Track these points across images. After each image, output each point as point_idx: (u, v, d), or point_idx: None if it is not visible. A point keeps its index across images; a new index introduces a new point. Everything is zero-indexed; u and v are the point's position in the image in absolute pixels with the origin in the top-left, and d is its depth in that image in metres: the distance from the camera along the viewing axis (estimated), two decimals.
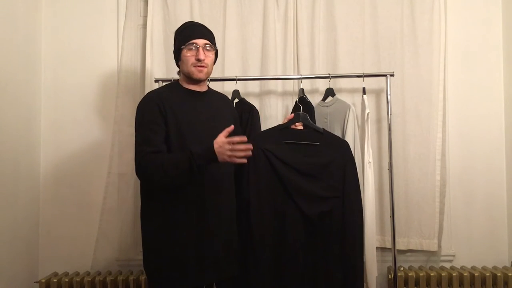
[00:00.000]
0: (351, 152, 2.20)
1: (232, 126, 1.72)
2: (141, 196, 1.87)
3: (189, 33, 1.85)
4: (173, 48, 1.93)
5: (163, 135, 1.77)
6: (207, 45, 1.85)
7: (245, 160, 1.70)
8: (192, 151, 1.68)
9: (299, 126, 2.19)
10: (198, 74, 1.85)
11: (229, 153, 1.66)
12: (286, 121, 2.22)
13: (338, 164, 2.10)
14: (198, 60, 1.83)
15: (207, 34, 1.88)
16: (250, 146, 1.69)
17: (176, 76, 2.00)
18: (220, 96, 2.03)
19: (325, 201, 2.06)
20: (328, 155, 2.10)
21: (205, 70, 1.86)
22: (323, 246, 2.06)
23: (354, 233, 2.08)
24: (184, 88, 1.88)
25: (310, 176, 2.07)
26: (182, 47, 1.83)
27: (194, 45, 1.83)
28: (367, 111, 2.39)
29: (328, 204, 2.06)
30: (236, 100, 2.49)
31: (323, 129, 2.22)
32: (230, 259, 1.89)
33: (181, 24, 1.94)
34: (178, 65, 1.92)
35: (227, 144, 1.66)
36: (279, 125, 2.23)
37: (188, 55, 1.83)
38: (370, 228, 2.33)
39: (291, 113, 2.32)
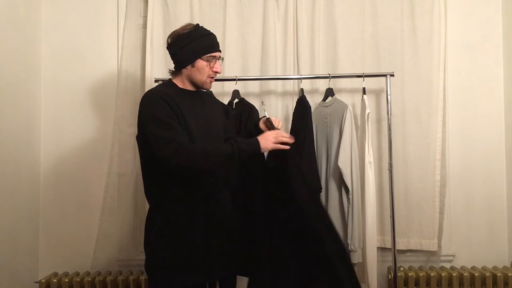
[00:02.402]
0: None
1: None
2: (148, 195, 1.86)
3: (210, 44, 1.83)
4: (176, 46, 1.84)
5: (181, 128, 1.75)
6: (221, 57, 1.88)
7: (287, 146, 1.80)
8: (233, 141, 1.75)
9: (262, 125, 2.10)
10: (210, 85, 1.89)
11: (273, 139, 1.77)
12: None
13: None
14: (216, 72, 1.86)
15: (218, 43, 1.88)
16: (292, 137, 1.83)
17: None
18: (207, 93, 2.03)
19: (286, 204, 1.96)
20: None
21: (213, 80, 1.90)
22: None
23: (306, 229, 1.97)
24: (180, 88, 1.87)
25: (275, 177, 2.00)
26: (202, 57, 1.81)
27: (214, 57, 1.84)
28: (367, 111, 2.39)
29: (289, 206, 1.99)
30: (236, 100, 2.50)
31: None
32: (233, 255, 1.90)
33: (187, 24, 1.86)
34: (180, 67, 1.85)
35: (272, 132, 1.81)
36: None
37: (206, 67, 1.83)
38: (371, 228, 2.33)
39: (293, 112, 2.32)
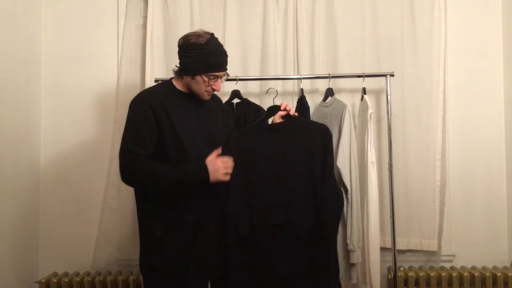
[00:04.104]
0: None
1: (220, 149, 1.80)
2: (136, 197, 1.86)
3: (215, 63, 1.80)
4: (183, 52, 1.83)
5: (153, 138, 1.75)
6: (224, 75, 1.87)
7: (228, 178, 1.79)
8: (184, 168, 1.73)
9: (278, 119, 2.08)
10: (207, 97, 1.88)
11: (223, 171, 1.75)
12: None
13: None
14: (214, 90, 1.85)
15: (226, 62, 1.86)
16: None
17: None
18: None
19: None
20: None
21: (211, 94, 1.89)
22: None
23: None
24: (177, 89, 1.87)
25: None
26: (203, 75, 1.79)
27: (216, 76, 1.82)
28: (370, 111, 2.37)
29: None
30: (237, 101, 2.49)
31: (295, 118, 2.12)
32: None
33: (203, 34, 1.81)
34: (182, 74, 1.85)
35: (220, 162, 1.76)
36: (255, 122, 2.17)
37: (206, 83, 1.82)
38: (373, 228, 2.31)
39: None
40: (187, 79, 1.84)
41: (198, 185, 1.75)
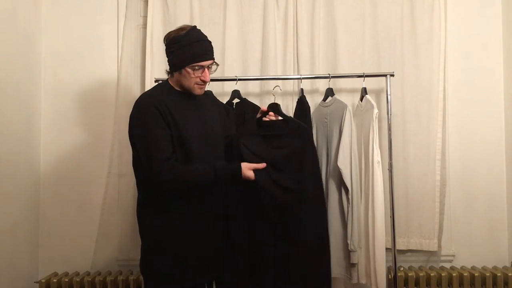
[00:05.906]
0: (311, 138, 2.16)
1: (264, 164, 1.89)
2: (138, 198, 1.87)
3: (198, 52, 1.79)
4: (167, 49, 1.85)
5: (168, 137, 1.75)
6: (212, 64, 1.85)
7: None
8: (215, 165, 1.78)
9: (272, 117, 2.10)
10: (198, 91, 1.86)
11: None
12: (259, 114, 2.14)
13: (298, 153, 2.01)
14: (203, 81, 1.83)
15: (211, 51, 1.85)
16: None
17: None
18: (206, 93, 2.01)
19: (287, 193, 1.94)
20: (290, 144, 2.02)
21: (204, 86, 1.87)
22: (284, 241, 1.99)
23: (305, 227, 1.98)
24: (176, 90, 1.87)
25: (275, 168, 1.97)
26: (187, 67, 1.79)
27: (202, 66, 1.80)
28: (375, 111, 2.36)
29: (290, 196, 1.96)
30: (237, 100, 2.49)
31: (289, 117, 2.16)
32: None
33: (182, 27, 1.83)
34: (171, 70, 1.86)
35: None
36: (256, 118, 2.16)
37: (193, 75, 1.80)
38: (379, 228, 2.30)
39: (294, 113, 2.29)
40: (177, 75, 1.84)
41: (233, 181, 1.85)
